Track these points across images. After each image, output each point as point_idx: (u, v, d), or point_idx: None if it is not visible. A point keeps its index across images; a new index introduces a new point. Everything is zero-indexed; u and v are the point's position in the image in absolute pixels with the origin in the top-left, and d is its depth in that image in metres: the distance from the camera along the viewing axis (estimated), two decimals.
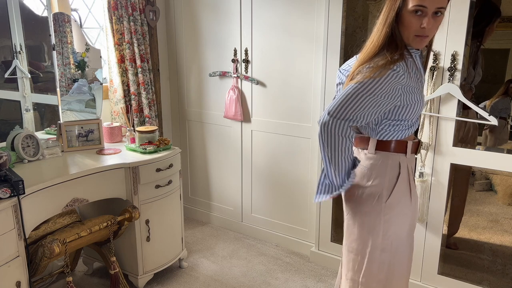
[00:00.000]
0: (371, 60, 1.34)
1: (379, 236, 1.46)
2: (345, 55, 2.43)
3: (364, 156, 1.48)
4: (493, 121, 2.04)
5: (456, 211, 2.71)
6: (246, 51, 2.84)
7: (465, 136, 2.47)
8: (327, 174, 1.43)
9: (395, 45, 1.34)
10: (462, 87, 2.09)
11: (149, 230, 2.39)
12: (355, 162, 1.42)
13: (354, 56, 1.60)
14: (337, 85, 1.66)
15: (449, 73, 2.09)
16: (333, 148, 1.36)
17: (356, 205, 1.49)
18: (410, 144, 1.45)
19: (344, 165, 1.38)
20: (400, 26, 1.34)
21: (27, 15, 2.43)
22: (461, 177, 2.67)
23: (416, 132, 1.68)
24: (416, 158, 1.62)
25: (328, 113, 1.33)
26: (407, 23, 1.32)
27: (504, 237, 2.75)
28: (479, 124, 2.33)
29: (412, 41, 1.35)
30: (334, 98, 1.47)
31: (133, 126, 2.75)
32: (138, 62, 2.84)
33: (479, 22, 2.22)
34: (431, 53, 2.12)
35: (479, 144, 2.61)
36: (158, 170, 2.37)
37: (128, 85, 2.89)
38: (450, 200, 2.59)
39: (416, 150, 1.50)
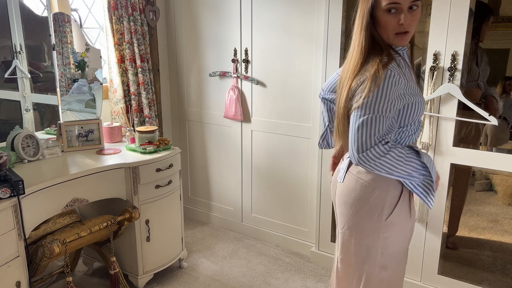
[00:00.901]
0: (363, 69, 1.29)
1: (378, 253, 1.41)
2: (345, 55, 2.43)
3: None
4: (493, 121, 2.04)
5: (455, 211, 2.71)
6: (246, 51, 2.84)
7: (466, 136, 2.47)
8: (412, 183, 1.34)
9: (380, 47, 1.30)
10: (468, 84, 2.08)
11: (149, 230, 2.39)
12: (418, 153, 1.33)
13: (335, 73, 1.57)
14: (327, 110, 1.64)
15: (449, 73, 2.09)
16: (393, 168, 1.27)
17: (355, 220, 1.42)
18: None
19: (412, 165, 1.29)
20: (378, 28, 1.30)
21: (27, 15, 2.42)
22: (461, 178, 2.67)
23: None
24: None
25: (357, 152, 1.25)
26: (384, 23, 1.28)
27: (504, 237, 2.75)
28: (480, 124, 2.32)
29: (393, 40, 1.30)
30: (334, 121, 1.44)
31: (133, 126, 2.75)
32: (138, 62, 2.84)
33: (474, 20, 2.21)
34: (426, 54, 2.12)
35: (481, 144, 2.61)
36: (158, 170, 2.37)
37: (128, 85, 2.89)
38: (450, 200, 2.59)
39: None
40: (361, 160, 1.26)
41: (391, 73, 1.25)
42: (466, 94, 2.13)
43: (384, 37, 1.31)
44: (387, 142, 1.26)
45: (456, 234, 2.76)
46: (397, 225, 1.39)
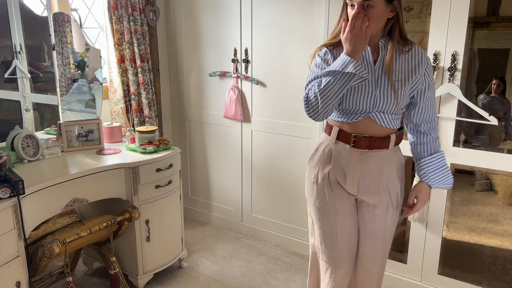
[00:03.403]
0: None
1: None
2: None
3: None
4: (493, 121, 2.04)
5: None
6: (246, 51, 2.84)
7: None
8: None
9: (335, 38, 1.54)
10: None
11: (149, 230, 2.39)
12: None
13: None
14: None
15: (449, 73, 2.09)
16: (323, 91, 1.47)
17: None
18: (334, 130, 1.57)
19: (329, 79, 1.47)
20: None
21: (27, 15, 2.42)
22: None
23: (400, 129, 1.64)
24: (368, 155, 1.54)
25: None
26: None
27: (504, 237, 2.75)
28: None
29: None
30: None
31: (133, 126, 2.75)
32: (138, 62, 2.84)
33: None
34: (426, 48, 2.12)
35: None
36: (158, 170, 2.37)
37: (128, 85, 2.89)
38: (450, 200, 2.59)
39: (347, 140, 1.54)
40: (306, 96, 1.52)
41: (320, 52, 1.57)
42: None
43: None
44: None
45: (457, 235, 2.75)
46: (309, 171, 1.66)
